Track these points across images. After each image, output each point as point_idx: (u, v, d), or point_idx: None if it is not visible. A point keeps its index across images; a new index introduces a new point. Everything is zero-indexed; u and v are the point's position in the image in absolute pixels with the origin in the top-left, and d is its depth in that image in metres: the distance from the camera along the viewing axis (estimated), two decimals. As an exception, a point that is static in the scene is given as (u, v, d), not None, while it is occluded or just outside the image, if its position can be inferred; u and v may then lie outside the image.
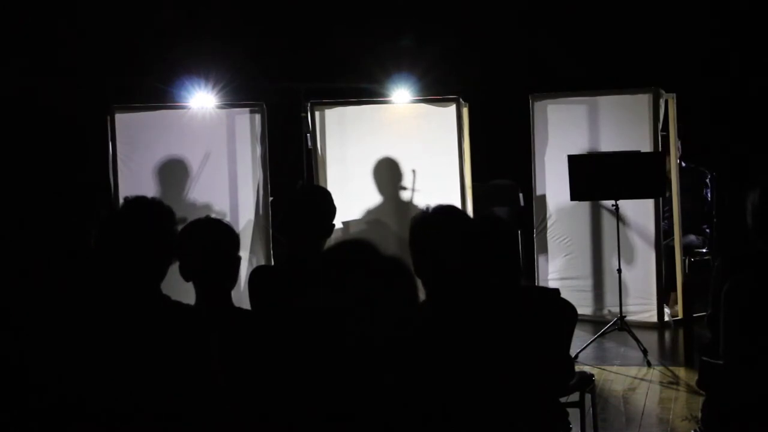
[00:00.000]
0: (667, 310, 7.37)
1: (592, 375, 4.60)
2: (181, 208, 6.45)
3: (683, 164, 7.62)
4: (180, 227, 3.05)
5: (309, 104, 7.07)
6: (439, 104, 6.98)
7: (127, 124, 6.78)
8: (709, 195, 7.60)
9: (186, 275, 3.14)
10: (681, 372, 6.10)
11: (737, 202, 3.41)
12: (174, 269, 3.02)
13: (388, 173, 6.94)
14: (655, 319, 7.24)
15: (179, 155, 6.78)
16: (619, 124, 7.30)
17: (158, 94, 7.35)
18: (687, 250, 7.43)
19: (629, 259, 7.23)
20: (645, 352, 6.30)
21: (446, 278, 2.98)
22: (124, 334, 2.69)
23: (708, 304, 3.41)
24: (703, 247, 7.62)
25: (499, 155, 8.25)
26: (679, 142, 7.55)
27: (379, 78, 7.58)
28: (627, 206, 7.00)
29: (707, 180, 7.60)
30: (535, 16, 8.99)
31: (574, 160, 6.72)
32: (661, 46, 8.59)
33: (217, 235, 3.19)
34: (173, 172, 6.77)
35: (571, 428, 3.36)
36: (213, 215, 6.48)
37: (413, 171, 6.94)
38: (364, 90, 7.69)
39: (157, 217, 2.86)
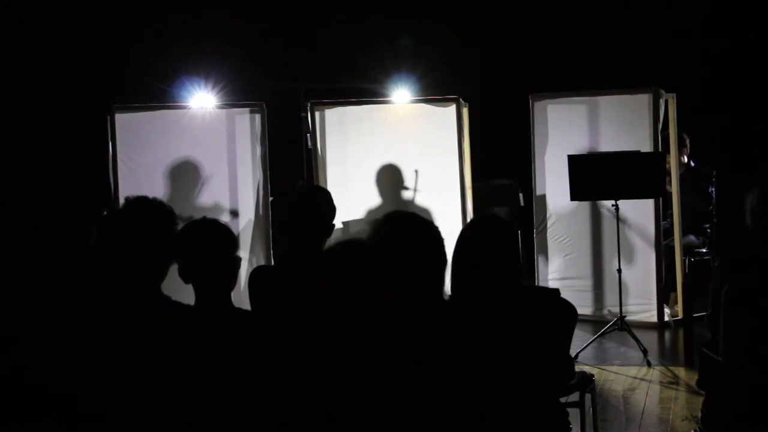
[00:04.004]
0: (667, 310, 7.37)
1: (592, 375, 4.60)
2: (191, 209, 6.48)
3: (692, 163, 7.62)
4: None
5: (309, 104, 7.07)
6: (439, 104, 6.99)
7: (127, 124, 6.78)
8: (713, 193, 7.59)
9: (185, 277, 3.14)
10: (681, 372, 6.10)
11: (737, 202, 3.41)
12: (174, 269, 3.02)
13: (390, 180, 6.96)
14: (655, 319, 7.24)
15: (191, 157, 6.79)
16: (619, 124, 7.30)
17: (158, 94, 7.35)
18: (687, 250, 7.43)
19: (629, 259, 7.23)
20: (645, 352, 6.30)
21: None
22: (124, 335, 2.69)
23: (708, 304, 3.41)
24: (703, 247, 7.62)
25: (499, 155, 8.25)
26: (688, 140, 7.56)
27: (379, 78, 7.58)
28: (627, 206, 6.99)
29: (713, 178, 7.59)
30: (535, 16, 8.99)
31: (574, 160, 6.72)
32: (661, 46, 8.59)
33: (213, 236, 3.18)
34: (185, 173, 6.78)
35: (571, 428, 3.36)
36: (224, 215, 6.52)
37: (416, 171, 6.94)
38: (364, 90, 7.69)
39: (157, 217, 2.86)
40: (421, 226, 3.12)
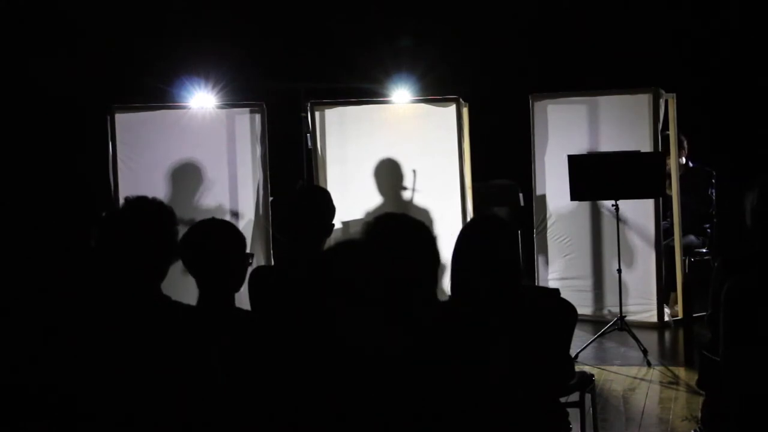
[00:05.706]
0: (667, 310, 7.37)
1: (592, 375, 4.61)
2: (192, 210, 6.48)
3: (690, 164, 7.62)
4: (185, 228, 3.05)
5: (309, 104, 7.07)
6: (439, 104, 6.99)
7: (127, 124, 6.78)
8: (713, 194, 7.59)
9: (192, 270, 3.12)
10: (681, 372, 6.10)
11: (737, 202, 3.41)
12: (174, 269, 3.02)
13: (388, 174, 6.96)
14: (655, 319, 7.24)
15: (192, 158, 6.79)
16: (619, 124, 7.30)
17: (158, 94, 7.35)
18: (687, 250, 7.43)
19: (629, 259, 7.23)
20: (645, 352, 6.30)
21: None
22: (124, 335, 2.69)
23: (708, 304, 3.41)
24: (703, 247, 7.62)
25: (499, 155, 8.25)
26: (686, 141, 7.55)
27: (379, 78, 7.57)
28: (627, 206, 6.99)
29: (713, 180, 7.59)
30: (535, 16, 8.99)
31: (574, 160, 6.72)
32: (661, 46, 8.59)
33: (221, 237, 3.17)
34: (185, 175, 6.77)
35: (571, 428, 3.36)
36: (225, 216, 6.52)
37: (413, 171, 6.95)
38: (364, 90, 7.69)
39: (158, 218, 2.86)
40: (412, 227, 3.12)
